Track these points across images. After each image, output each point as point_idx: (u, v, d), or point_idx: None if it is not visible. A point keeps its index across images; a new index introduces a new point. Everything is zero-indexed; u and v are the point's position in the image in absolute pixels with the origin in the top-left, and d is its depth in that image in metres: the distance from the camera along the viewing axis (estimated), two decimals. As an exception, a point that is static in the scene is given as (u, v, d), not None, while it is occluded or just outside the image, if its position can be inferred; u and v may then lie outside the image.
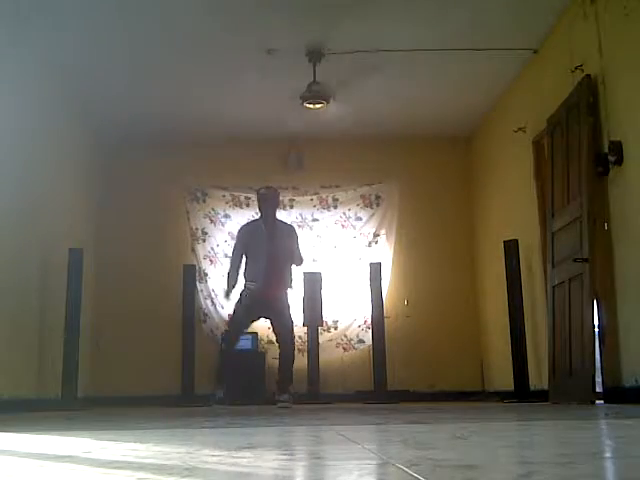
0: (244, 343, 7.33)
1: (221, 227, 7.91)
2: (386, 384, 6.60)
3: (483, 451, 1.90)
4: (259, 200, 6.14)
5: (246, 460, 1.74)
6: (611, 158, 4.64)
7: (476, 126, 7.78)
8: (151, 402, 6.74)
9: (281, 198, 7.56)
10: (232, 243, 7.89)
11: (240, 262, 6.00)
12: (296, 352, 6.06)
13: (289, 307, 5.94)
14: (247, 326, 6.08)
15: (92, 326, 7.09)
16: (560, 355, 5.24)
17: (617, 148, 4.60)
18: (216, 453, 1.95)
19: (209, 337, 7.53)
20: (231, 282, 5.98)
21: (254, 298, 5.83)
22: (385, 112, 7.32)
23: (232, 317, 6.10)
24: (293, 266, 6.03)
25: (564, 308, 5.20)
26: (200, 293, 7.63)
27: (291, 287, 5.98)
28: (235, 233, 7.81)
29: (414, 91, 6.89)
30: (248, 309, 5.87)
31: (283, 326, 5.88)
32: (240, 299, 5.93)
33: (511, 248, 6.26)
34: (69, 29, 5.61)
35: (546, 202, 5.80)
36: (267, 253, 5.86)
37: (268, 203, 6.07)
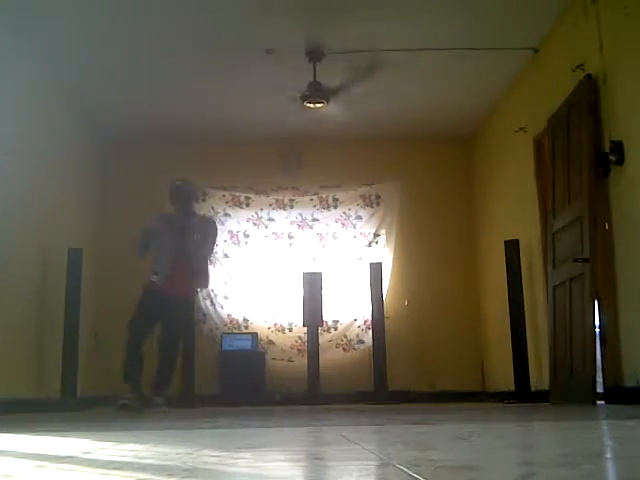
0: (243, 343, 7.34)
1: (221, 226, 7.88)
2: (386, 384, 6.60)
3: (484, 452, 1.90)
4: (172, 193, 6.02)
5: (246, 461, 1.74)
6: (612, 158, 4.63)
7: (477, 125, 7.77)
8: (151, 402, 6.72)
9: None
10: (231, 242, 7.93)
11: (148, 244, 5.81)
12: (178, 359, 5.87)
13: (190, 308, 5.88)
14: (145, 333, 5.68)
15: (92, 326, 7.08)
16: (561, 355, 5.23)
17: (618, 148, 4.59)
18: (215, 454, 1.94)
19: (208, 337, 7.52)
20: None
21: (156, 294, 5.64)
22: (385, 112, 7.31)
23: (134, 316, 5.67)
24: (209, 263, 6.08)
25: (565, 308, 5.19)
26: (199, 293, 7.62)
27: (204, 286, 6.02)
28: (234, 232, 7.84)
29: (414, 91, 6.88)
30: (148, 311, 5.66)
31: (169, 332, 5.68)
32: (144, 294, 5.74)
33: (512, 248, 6.25)
34: (69, 29, 5.60)
35: (547, 202, 5.80)
36: (175, 248, 5.76)
37: (180, 196, 5.97)
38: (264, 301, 7.69)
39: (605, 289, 4.78)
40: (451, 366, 7.55)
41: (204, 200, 7.93)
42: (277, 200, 7.96)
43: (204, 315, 7.65)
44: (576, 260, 4.86)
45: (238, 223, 7.93)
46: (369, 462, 1.67)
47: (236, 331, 7.59)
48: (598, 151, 4.83)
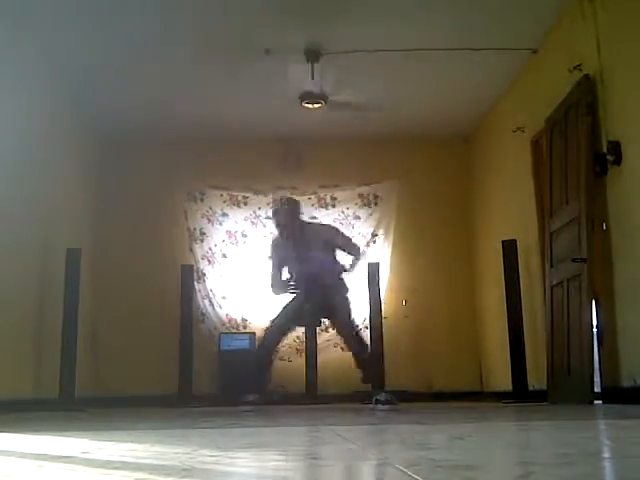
0: (241, 343, 7.34)
1: (219, 226, 7.89)
2: (384, 384, 6.58)
3: (482, 451, 1.90)
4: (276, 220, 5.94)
5: (244, 460, 1.74)
6: (609, 158, 4.64)
7: (475, 126, 7.77)
8: (149, 402, 6.72)
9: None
10: (229, 242, 7.92)
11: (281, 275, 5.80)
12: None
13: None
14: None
15: (90, 326, 7.07)
16: (558, 355, 5.23)
17: (615, 148, 4.59)
18: (214, 453, 1.94)
19: (207, 337, 7.52)
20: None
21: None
22: (383, 112, 7.30)
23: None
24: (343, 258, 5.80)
25: (562, 308, 5.19)
26: (198, 293, 7.61)
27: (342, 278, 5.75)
28: (232, 231, 7.83)
29: (413, 91, 6.88)
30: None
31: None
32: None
33: (510, 248, 6.25)
34: (69, 29, 5.59)
35: (545, 202, 5.80)
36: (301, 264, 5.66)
37: (279, 219, 5.87)
38: (262, 301, 7.67)
39: (603, 289, 4.79)
40: (449, 366, 7.55)
41: (202, 200, 7.94)
42: (275, 200, 7.96)
43: (203, 315, 7.65)
44: (574, 260, 4.87)
45: (236, 223, 7.92)
46: (367, 462, 1.67)
47: (234, 331, 7.60)
48: (596, 151, 4.83)
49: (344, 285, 5.75)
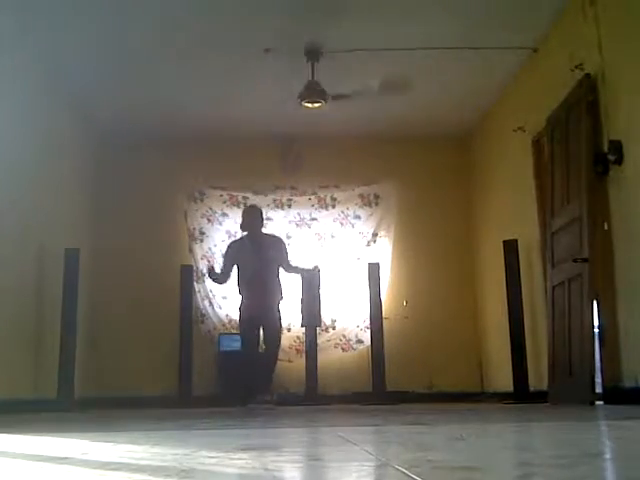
0: (240, 344, 7.31)
1: (219, 226, 7.88)
2: (385, 385, 6.58)
3: (482, 453, 1.89)
4: (242, 216, 6.20)
5: (243, 462, 1.73)
6: (611, 157, 4.63)
7: (475, 125, 7.77)
8: (148, 403, 6.72)
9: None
10: (229, 242, 7.90)
11: (231, 271, 6.02)
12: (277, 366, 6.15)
13: (280, 319, 5.98)
14: (258, 340, 6.00)
15: (89, 327, 7.06)
16: (559, 355, 5.22)
17: (617, 147, 4.59)
18: (213, 455, 1.93)
19: (207, 338, 7.51)
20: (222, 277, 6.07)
21: (249, 312, 5.90)
22: (384, 111, 7.30)
23: (242, 339, 6.07)
24: (284, 276, 6.08)
25: (564, 308, 5.19)
26: (198, 294, 7.61)
27: (281, 298, 6.01)
28: (232, 231, 7.81)
29: (413, 90, 6.87)
30: (249, 323, 5.90)
31: (271, 340, 5.94)
32: (240, 315, 5.99)
33: (511, 248, 6.25)
34: (69, 29, 5.60)
35: (546, 202, 5.79)
36: (253, 266, 5.89)
37: (250, 219, 6.08)
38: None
39: (604, 289, 4.78)
40: (449, 366, 7.54)
41: (202, 200, 7.93)
42: (275, 200, 7.95)
43: (202, 315, 7.64)
44: (575, 260, 4.86)
45: (236, 223, 7.88)
46: (367, 463, 1.66)
47: (234, 331, 7.58)
48: (597, 151, 4.82)
49: (279, 309, 5.99)
